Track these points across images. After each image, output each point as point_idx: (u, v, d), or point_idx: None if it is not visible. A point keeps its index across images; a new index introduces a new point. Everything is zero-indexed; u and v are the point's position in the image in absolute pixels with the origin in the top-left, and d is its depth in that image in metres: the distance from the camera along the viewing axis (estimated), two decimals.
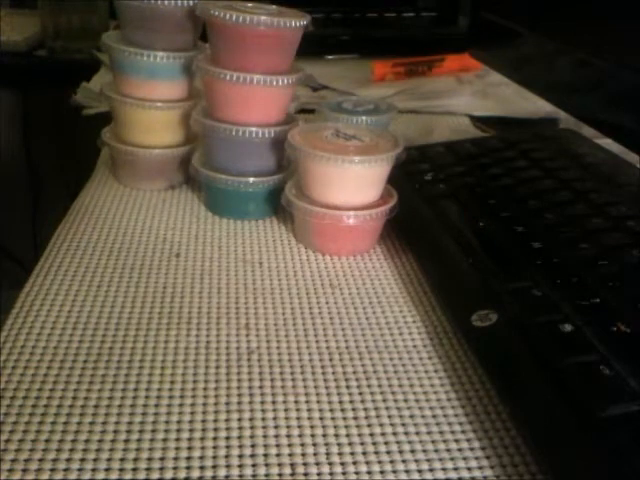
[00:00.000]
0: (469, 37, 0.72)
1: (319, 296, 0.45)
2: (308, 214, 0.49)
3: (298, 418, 0.35)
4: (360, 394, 0.37)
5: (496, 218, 0.48)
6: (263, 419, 0.35)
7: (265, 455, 0.33)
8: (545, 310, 0.38)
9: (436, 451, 0.33)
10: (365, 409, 0.36)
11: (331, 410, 0.36)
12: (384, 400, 0.36)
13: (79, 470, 0.31)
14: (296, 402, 0.36)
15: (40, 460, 0.31)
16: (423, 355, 0.40)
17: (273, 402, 0.36)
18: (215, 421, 0.34)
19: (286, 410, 0.35)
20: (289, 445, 0.33)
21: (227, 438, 0.33)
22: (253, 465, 0.32)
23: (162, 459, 0.32)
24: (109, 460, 0.32)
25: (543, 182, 0.52)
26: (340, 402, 0.36)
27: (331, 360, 0.39)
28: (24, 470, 0.31)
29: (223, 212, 0.55)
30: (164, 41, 0.55)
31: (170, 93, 0.57)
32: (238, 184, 0.53)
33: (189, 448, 0.33)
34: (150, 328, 0.41)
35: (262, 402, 0.36)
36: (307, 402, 0.36)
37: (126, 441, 0.33)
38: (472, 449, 0.34)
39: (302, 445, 0.33)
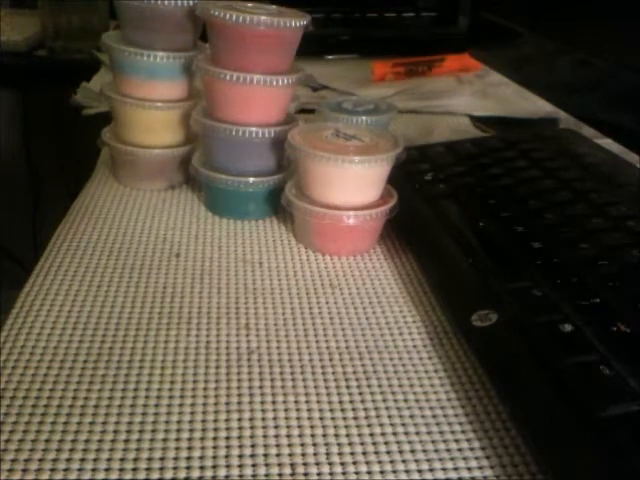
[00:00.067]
0: (469, 37, 0.72)
1: (319, 296, 0.45)
2: (308, 214, 0.49)
3: (298, 418, 0.35)
4: (360, 394, 0.37)
5: (496, 218, 0.48)
6: (263, 419, 0.35)
7: (265, 455, 0.33)
8: (545, 310, 0.38)
9: (436, 451, 0.33)
10: (365, 409, 0.36)
11: (331, 410, 0.36)
12: (384, 400, 0.36)
13: (79, 470, 0.31)
14: (296, 402, 0.36)
15: (40, 460, 0.31)
16: (423, 355, 0.40)
17: (273, 402, 0.36)
18: (215, 421, 0.34)
19: (286, 410, 0.35)
20: (289, 445, 0.33)
21: (227, 438, 0.33)
22: (253, 465, 0.32)
23: (162, 459, 0.32)
24: (109, 460, 0.32)
25: (543, 182, 0.52)
26: (340, 402, 0.36)
27: (331, 360, 0.39)
28: (24, 470, 0.31)
29: (223, 212, 0.55)
30: (164, 41, 0.55)
31: (170, 93, 0.57)
32: (238, 184, 0.53)
33: (189, 448, 0.33)
34: (150, 328, 0.41)
35: (262, 402, 0.36)
36: (307, 402, 0.36)
37: (126, 441, 0.33)
38: (472, 449, 0.34)
39: (302, 445, 0.33)
